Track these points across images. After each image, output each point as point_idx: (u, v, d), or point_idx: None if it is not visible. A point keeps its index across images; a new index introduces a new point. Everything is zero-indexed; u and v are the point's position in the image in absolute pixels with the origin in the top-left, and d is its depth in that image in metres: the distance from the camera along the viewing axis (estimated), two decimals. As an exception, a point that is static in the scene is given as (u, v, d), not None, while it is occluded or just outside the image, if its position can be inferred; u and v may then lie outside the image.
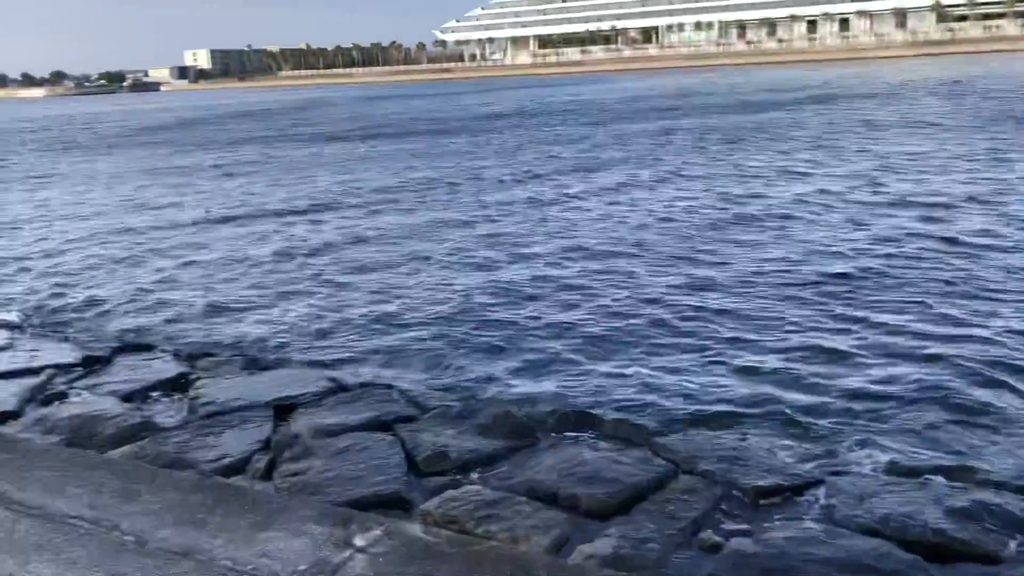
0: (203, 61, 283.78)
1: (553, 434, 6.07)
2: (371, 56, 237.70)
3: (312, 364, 7.92)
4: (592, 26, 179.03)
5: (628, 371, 7.36)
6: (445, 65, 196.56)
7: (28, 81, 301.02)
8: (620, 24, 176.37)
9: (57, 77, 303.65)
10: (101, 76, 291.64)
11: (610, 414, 6.36)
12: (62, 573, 3.49)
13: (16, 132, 58.13)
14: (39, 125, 67.49)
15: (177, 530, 3.81)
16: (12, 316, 10.09)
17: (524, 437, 5.96)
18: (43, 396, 7.15)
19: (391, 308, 9.71)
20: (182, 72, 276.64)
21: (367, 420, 6.31)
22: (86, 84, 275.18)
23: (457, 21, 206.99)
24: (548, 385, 7.16)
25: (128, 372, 7.78)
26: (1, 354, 8.48)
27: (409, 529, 3.86)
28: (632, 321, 8.75)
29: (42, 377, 7.59)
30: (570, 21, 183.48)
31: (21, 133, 56.60)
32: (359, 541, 3.65)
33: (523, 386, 7.17)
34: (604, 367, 7.49)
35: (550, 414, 6.37)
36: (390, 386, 7.15)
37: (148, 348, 8.59)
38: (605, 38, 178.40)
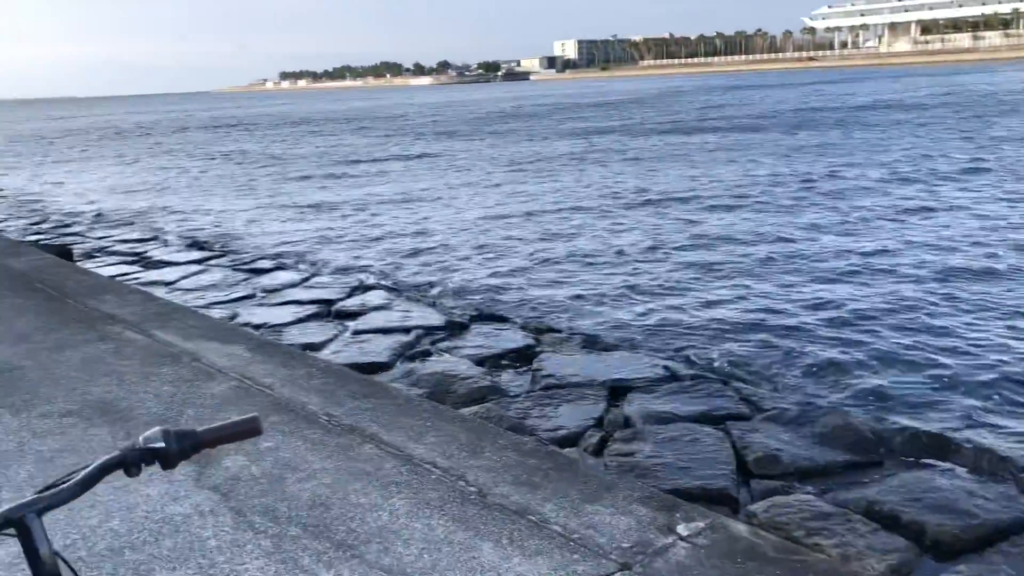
0: (570, 51, 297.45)
1: (900, 456, 5.60)
2: (734, 45, 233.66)
3: (647, 351, 8.04)
4: (988, 9, 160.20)
5: (991, 404, 6.54)
6: (810, 53, 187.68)
7: (418, 70, 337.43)
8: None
9: (442, 67, 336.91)
10: (479, 66, 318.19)
11: (969, 442, 5.72)
12: (415, 511, 3.91)
13: (410, 116, 65.40)
14: (428, 110, 75.29)
15: (514, 488, 4.09)
16: (390, 282, 11.44)
17: (866, 452, 5.58)
18: (411, 353, 8.05)
19: (730, 308, 9.53)
20: (550, 62, 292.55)
21: (698, 413, 6.29)
22: (466, 73, 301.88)
23: (829, 7, 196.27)
24: (895, 404, 6.58)
25: (482, 339, 8.49)
26: (380, 313, 9.69)
27: (733, 527, 3.80)
28: (1001, 355, 7.72)
29: (411, 336, 8.56)
30: (961, 4, 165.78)
31: (413, 117, 63.57)
32: (682, 530, 3.66)
33: (866, 401, 6.67)
34: (963, 398, 6.69)
35: (899, 431, 5.88)
36: (725, 381, 7.04)
37: (501, 319, 9.30)
38: (1004, 22, 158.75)
